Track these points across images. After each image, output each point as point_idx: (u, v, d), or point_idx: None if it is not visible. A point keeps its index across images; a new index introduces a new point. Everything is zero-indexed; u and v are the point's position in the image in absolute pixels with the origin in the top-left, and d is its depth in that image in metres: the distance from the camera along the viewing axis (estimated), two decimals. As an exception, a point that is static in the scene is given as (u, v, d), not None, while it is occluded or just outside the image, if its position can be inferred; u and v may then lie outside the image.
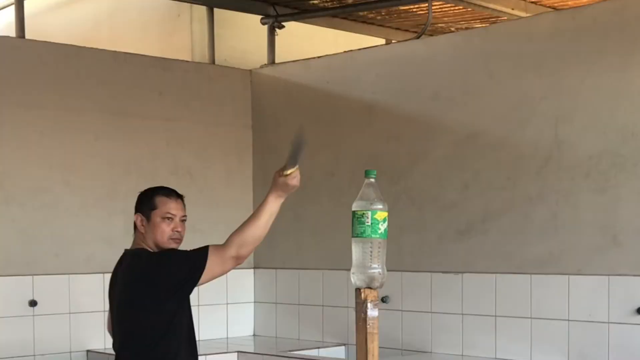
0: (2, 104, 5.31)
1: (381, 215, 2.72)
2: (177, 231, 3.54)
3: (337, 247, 5.56)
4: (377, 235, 2.72)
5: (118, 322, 3.56)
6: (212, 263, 3.36)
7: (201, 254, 3.39)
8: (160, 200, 3.55)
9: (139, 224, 3.57)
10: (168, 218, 3.52)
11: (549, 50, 4.87)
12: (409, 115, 5.52)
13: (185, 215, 3.60)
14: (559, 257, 4.79)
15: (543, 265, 4.85)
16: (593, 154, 4.67)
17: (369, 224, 2.71)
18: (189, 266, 3.39)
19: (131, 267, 3.51)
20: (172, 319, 3.46)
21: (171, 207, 3.54)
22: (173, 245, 3.54)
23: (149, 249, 3.54)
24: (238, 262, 3.39)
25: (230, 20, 6.77)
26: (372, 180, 2.79)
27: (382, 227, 2.72)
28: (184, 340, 3.53)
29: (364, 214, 2.72)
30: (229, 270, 3.44)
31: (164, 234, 3.51)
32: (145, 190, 3.64)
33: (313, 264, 6.02)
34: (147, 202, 3.58)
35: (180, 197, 3.62)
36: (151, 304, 3.42)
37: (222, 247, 3.38)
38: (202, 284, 3.42)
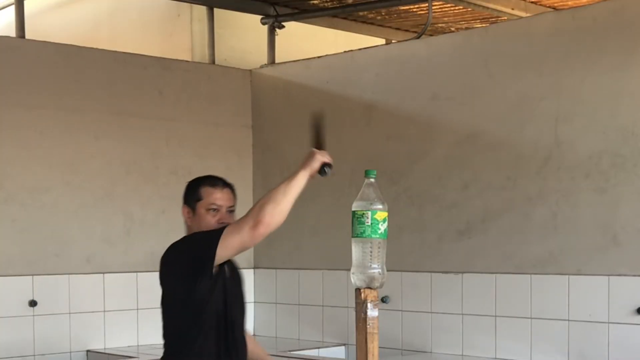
0: (2, 104, 5.31)
1: (381, 215, 2.72)
2: (222, 223, 3.30)
3: (337, 247, 5.56)
4: (377, 235, 2.72)
5: (162, 320, 3.39)
6: (228, 233, 3.14)
7: (219, 229, 3.20)
8: (205, 190, 3.36)
9: (185, 216, 3.38)
10: (213, 209, 3.33)
11: (549, 50, 4.88)
12: (409, 115, 5.52)
13: (232, 206, 3.39)
14: (559, 257, 4.79)
15: (543, 265, 4.85)
16: (593, 154, 4.67)
17: (369, 224, 2.71)
18: (205, 242, 3.19)
19: (163, 261, 3.36)
20: (200, 311, 3.25)
21: (217, 197, 3.34)
22: None
23: None
24: (260, 230, 3.10)
25: (230, 20, 6.78)
26: (372, 180, 2.79)
27: (382, 227, 2.72)
28: (213, 338, 3.29)
29: (364, 214, 2.72)
30: (249, 241, 3.14)
31: (209, 226, 3.30)
32: (192, 180, 3.45)
33: (313, 264, 6.02)
34: (192, 193, 3.38)
35: (228, 185, 3.41)
36: (180, 294, 3.26)
37: (240, 218, 3.18)
38: (222, 258, 3.19)
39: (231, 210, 3.39)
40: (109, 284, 5.67)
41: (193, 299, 3.25)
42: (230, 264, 3.40)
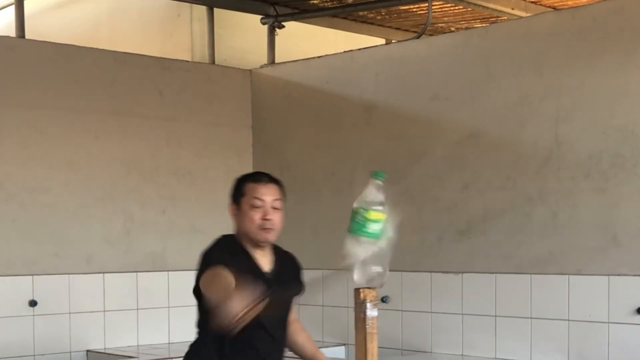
0: (2, 104, 5.31)
1: (381, 215, 2.72)
2: (266, 219, 3.25)
3: (337, 246, 5.55)
4: (377, 236, 2.72)
5: None
6: (204, 280, 3.06)
7: (210, 263, 3.08)
8: (249, 186, 3.29)
9: (232, 213, 3.33)
10: (257, 205, 3.25)
11: (549, 50, 4.87)
12: (409, 115, 5.52)
13: (277, 199, 3.30)
14: (559, 257, 4.78)
15: (543, 265, 4.85)
16: (593, 154, 4.67)
17: (369, 223, 2.71)
18: (199, 271, 3.16)
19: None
20: (204, 321, 3.25)
21: (260, 192, 3.26)
22: (264, 237, 3.26)
23: (238, 240, 3.30)
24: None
25: (230, 20, 6.77)
26: (379, 182, 2.78)
27: (383, 227, 2.72)
28: (215, 347, 3.26)
29: (364, 213, 2.72)
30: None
31: (252, 222, 3.24)
32: (238, 178, 3.39)
33: (313, 263, 6.01)
34: (237, 189, 3.33)
35: (273, 181, 3.33)
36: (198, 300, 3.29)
37: (213, 282, 2.98)
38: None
39: (276, 207, 3.31)
40: (109, 284, 5.66)
41: (200, 308, 3.28)
42: (278, 264, 3.37)
